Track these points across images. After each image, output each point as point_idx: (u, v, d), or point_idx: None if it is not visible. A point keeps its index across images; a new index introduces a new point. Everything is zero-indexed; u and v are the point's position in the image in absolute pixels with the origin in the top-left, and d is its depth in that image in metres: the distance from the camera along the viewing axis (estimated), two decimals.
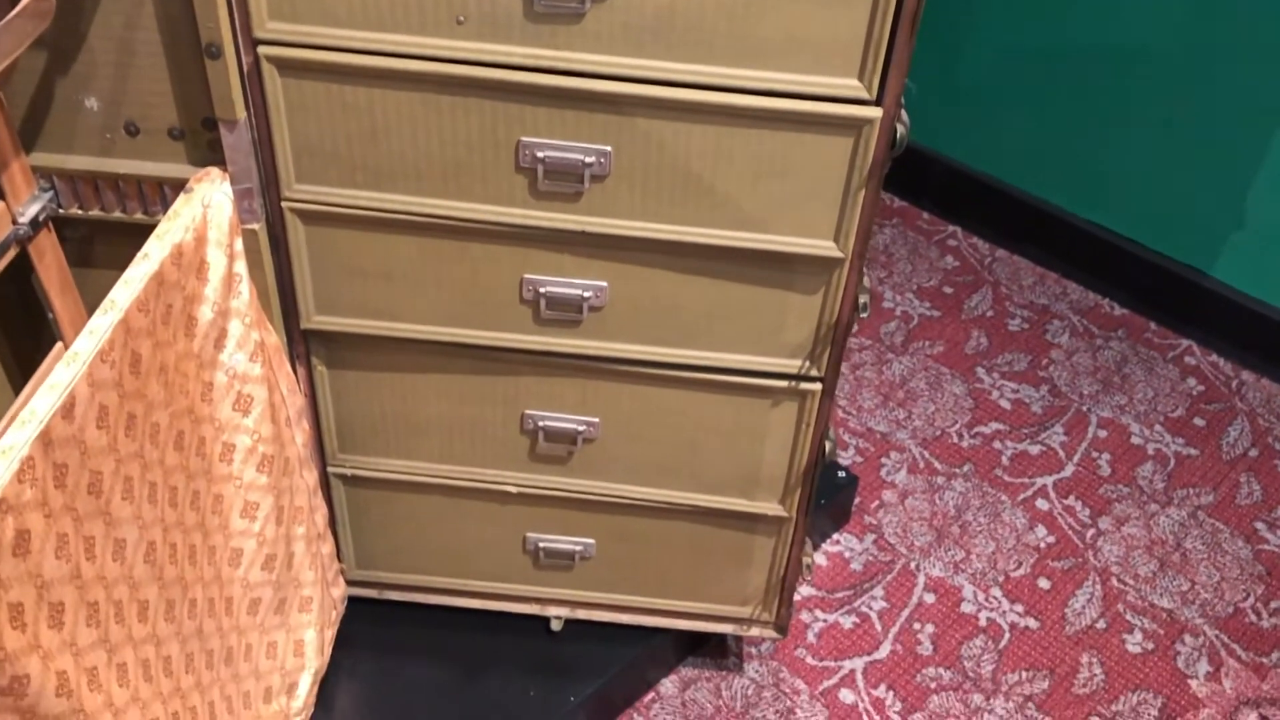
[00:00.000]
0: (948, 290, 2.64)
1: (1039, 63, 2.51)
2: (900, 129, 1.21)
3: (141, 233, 1.19)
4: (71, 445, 1.00)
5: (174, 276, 1.18)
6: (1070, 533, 2.10)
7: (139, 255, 1.14)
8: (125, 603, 1.12)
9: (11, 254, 1.26)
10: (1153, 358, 2.48)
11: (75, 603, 1.02)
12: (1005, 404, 2.36)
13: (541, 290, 1.37)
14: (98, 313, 1.07)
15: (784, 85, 1.19)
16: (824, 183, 1.26)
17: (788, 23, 1.16)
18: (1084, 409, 2.35)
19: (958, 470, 2.21)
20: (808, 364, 1.42)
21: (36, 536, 0.95)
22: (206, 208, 1.23)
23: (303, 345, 1.47)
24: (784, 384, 1.44)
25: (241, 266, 1.28)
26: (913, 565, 2.04)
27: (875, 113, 1.20)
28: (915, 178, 2.83)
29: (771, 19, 1.15)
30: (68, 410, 0.99)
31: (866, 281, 1.36)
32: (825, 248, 1.31)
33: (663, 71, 1.20)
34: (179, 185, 1.27)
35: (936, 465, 2.22)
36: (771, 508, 1.57)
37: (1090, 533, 2.11)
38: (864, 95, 1.19)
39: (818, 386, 1.44)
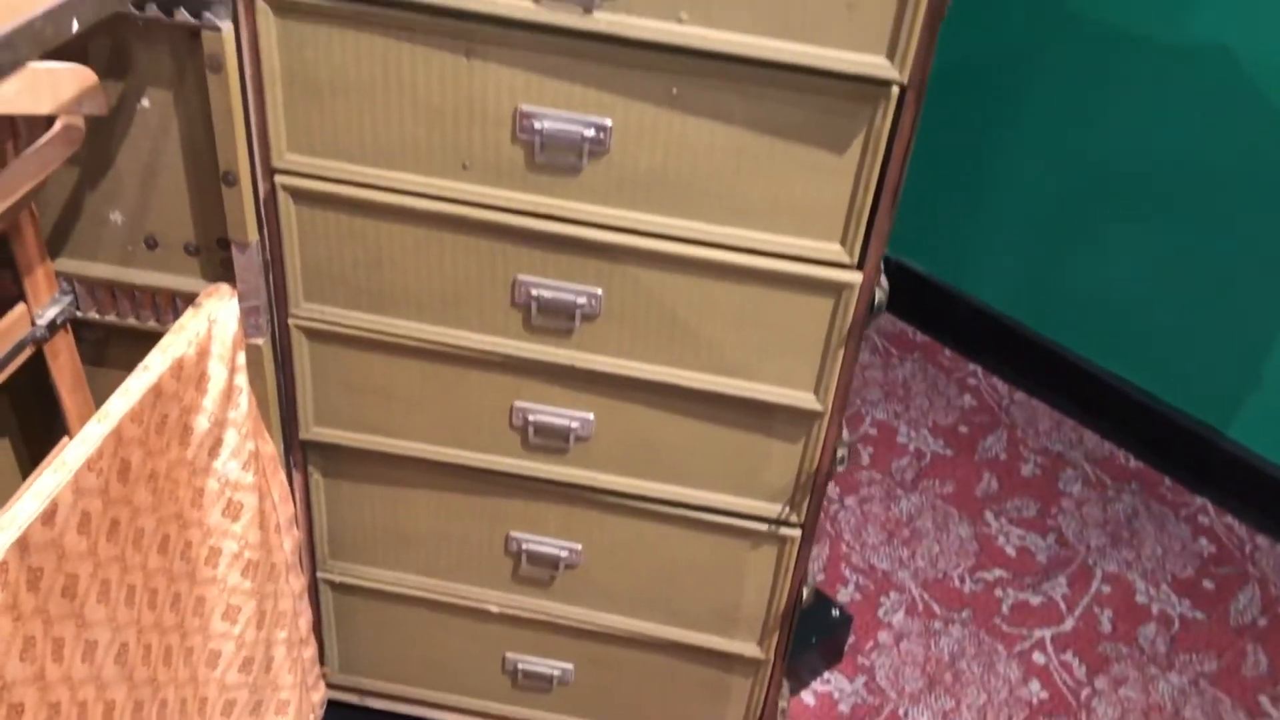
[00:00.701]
0: (963, 429, 2.64)
1: (1064, 206, 2.55)
2: (880, 294, 1.25)
3: (154, 339, 1.25)
4: (49, 550, 1.04)
5: (173, 388, 1.23)
6: (1065, 690, 2.07)
7: (140, 366, 1.20)
8: (90, 703, 1.15)
9: (28, 353, 1.33)
10: (1165, 514, 2.45)
11: (36, 704, 1.05)
12: (1010, 550, 2.34)
13: (531, 418, 1.41)
14: (92, 420, 1.12)
15: (768, 245, 1.24)
16: (805, 339, 1.29)
17: (774, 187, 1.20)
18: (1090, 562, 2.32)
19: (956, 615, 2.19)
20: (787, 510, 1.44)
21: (2, 639, 0.98)
22: (212, 323, 1.29)
23: (300, 454, 1.51)
24: (763, 527, 1.46)
25: (242, 379, 1.34)
26: (901, 711, 2.01)
27: (856, 277, 1.24)
28: (939, 313, 2.85)
29: (759, 183, 1.20)
30: (49, 517, 1.04)
31: (846, 434, 1.38)
32: (805, 400, 1.34)
33: (653, 225, 1.25)
34: (191, 298, 1.33)
35: (935, 609, 2.20)
36: (749, 649, 1.57)
37: (1085, 692, 2.07)
38: (845, 260, 1.23)
39: (797, 533, 1.46)
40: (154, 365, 1.21)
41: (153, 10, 1.14)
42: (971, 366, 2.83)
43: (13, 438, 1.50)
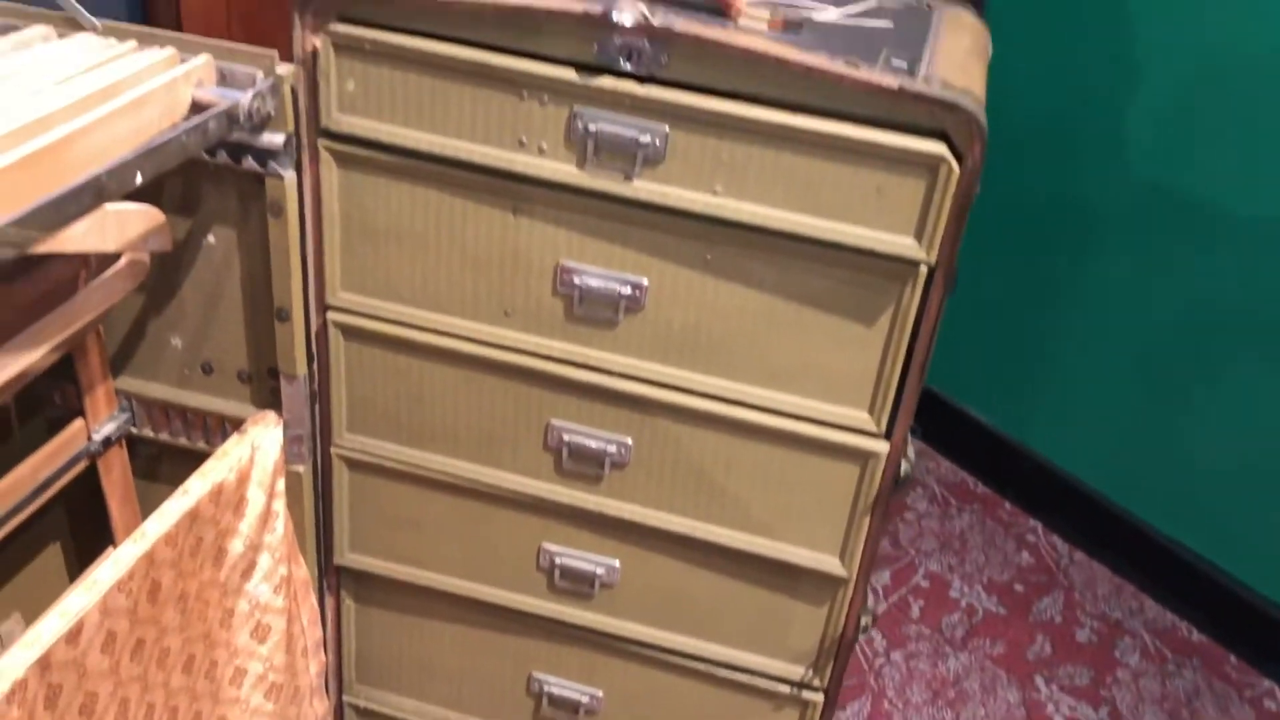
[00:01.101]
0: (1019, 588, 2.58)
1: (1142, 364, 2.51)
2: (905, 465, 1.24)
3: (203, 459, 1.29)
4: (70, 668, 1.08)
5: (210, 512, 1.27)
6: None
7: (179, 490, 1.25)
8: None
9: (82, 466, 1.38)
10: (1228, 695, 2.34)
11: None
12: None
13: (558, 560, 1.42)
14: (127, 541, 1.16)
15: (796, 409, 1.25)
16: (831, 503, 1.29)
17: (804, 352, 1.22)
18: None
19: None
20: (810, 673, 1.41)
21: None
22: (255, 449, 1.33)
23: (334, 579, 1.54)
24: (786, 689, 1.43)
25: (280, 505, 1.38)
26: None
27: (882, 446, 1.24)
28: (1000, 467, 2.81)
29: (789, 347, 1.22)
30: (73, 636, 1.07)
31: (870, 601, 1.37)
32: (830, 564, 1.33)
33: (684, 381, 1.27)
34: (240, 423, 1.38)
35: None
36: None
37: None
38: (872, 428, 1.23)
39: (819, 697, 1.43)
40: (193, 490, 1.26)
41: (223, 157, 1.22)
42: (1032, 522, 2.77)
43: (64, 543, 1.56)
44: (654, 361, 1.27)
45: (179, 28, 1.72)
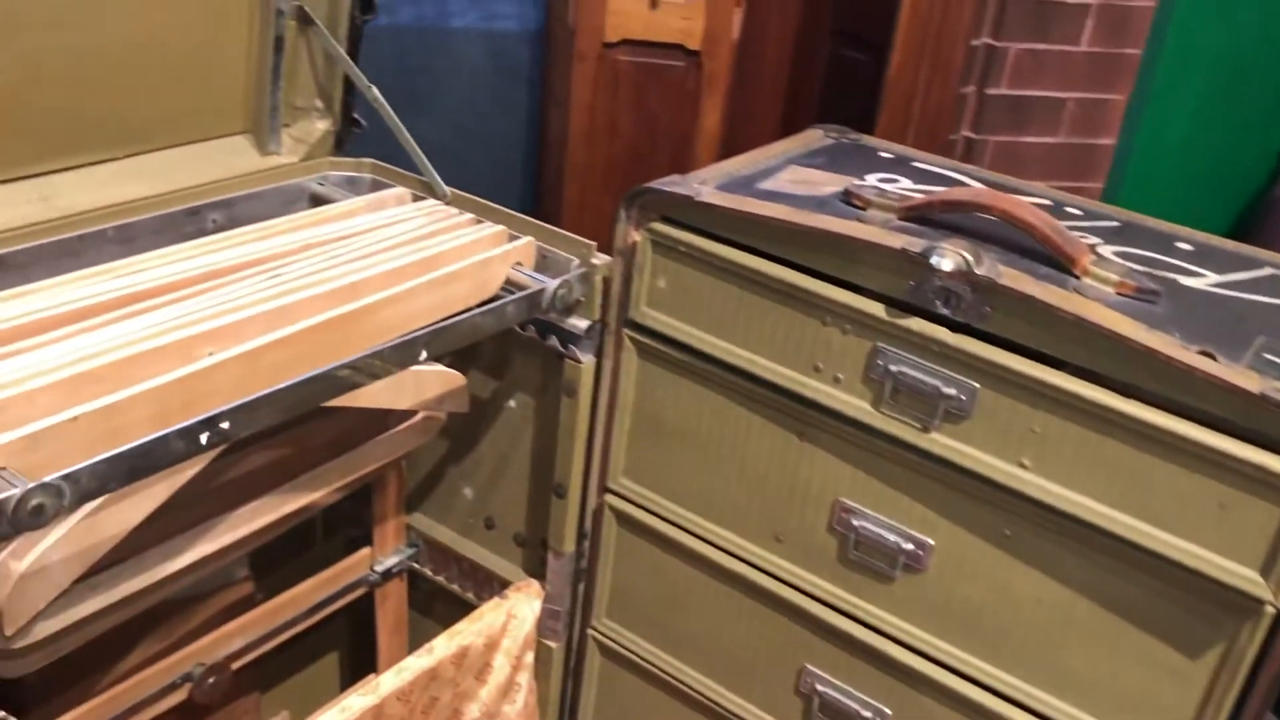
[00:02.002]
0: None
1: None
2: None
3: (470, 610, 1.30)
4: None
5: (450, 674, 1.27)
6: None
7: (423, 648, 1.25)
8: None
9: (359, 593, 1.44)
10: None
11: None
12: None
13: None
14: (354, 691, 1.18)
15: None
16: None
17: (1103, 665, 1.03)
18: None
19: None
20: None
21: None
22: (510, 617, 1.32)
23: None
24: None
25: (525, 677, 1.35)
26: None
27: None
28: None
29: (1085, 654, 1.03)
30: None
31: None
32: None
33: (959, 661, 1.11)
34: (507, 583, 1.39)
35: None
36: None
37: None
38: None
39: None
40: (438, 649, 1.26)
41: (531, 331, 1.23)
42: None
43: (342, 654, 1.63)
44: (929, 631, 1.13)
45: (558, 204, 1.81)
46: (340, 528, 1.55)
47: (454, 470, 1.43)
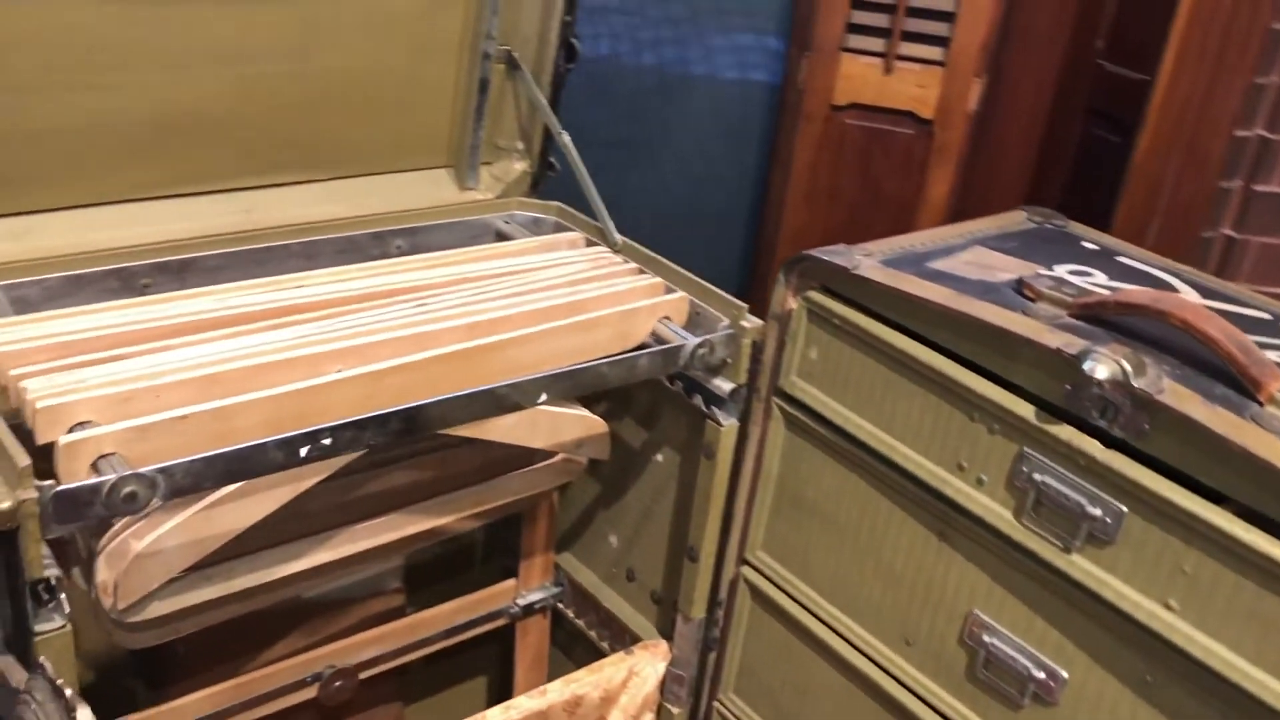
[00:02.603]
0: None
1: None
2: None
3: (600, 655, 1.30)
4: None
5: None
6: None
7: (537, 689, 1.25)
8: None
9: (500, 622, 1.46)
10: None
11: None
12: None
13: None
14: None
15: None
16: None
17: None
18: None
19: None
20: None
21: None
22: (632, 674, 1.30)
23: None
24: None
25: None
26: None
27: None
28: None
29: None
30: None
31: None
32: None
33: None
34: (638, 639, 1.36)
35: None
36: None
37: None
38: None
39: None
40: (551, 693, 1.25)
41: (678, 386, 1.21)
42: None
43: (490, 678, 1.65)
44: None
45: (772, 264, 1.77)
46: (497, 556, 1.58)
47: (602, 516, 1.43)
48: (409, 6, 1.24)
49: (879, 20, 1.67)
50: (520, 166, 1.40)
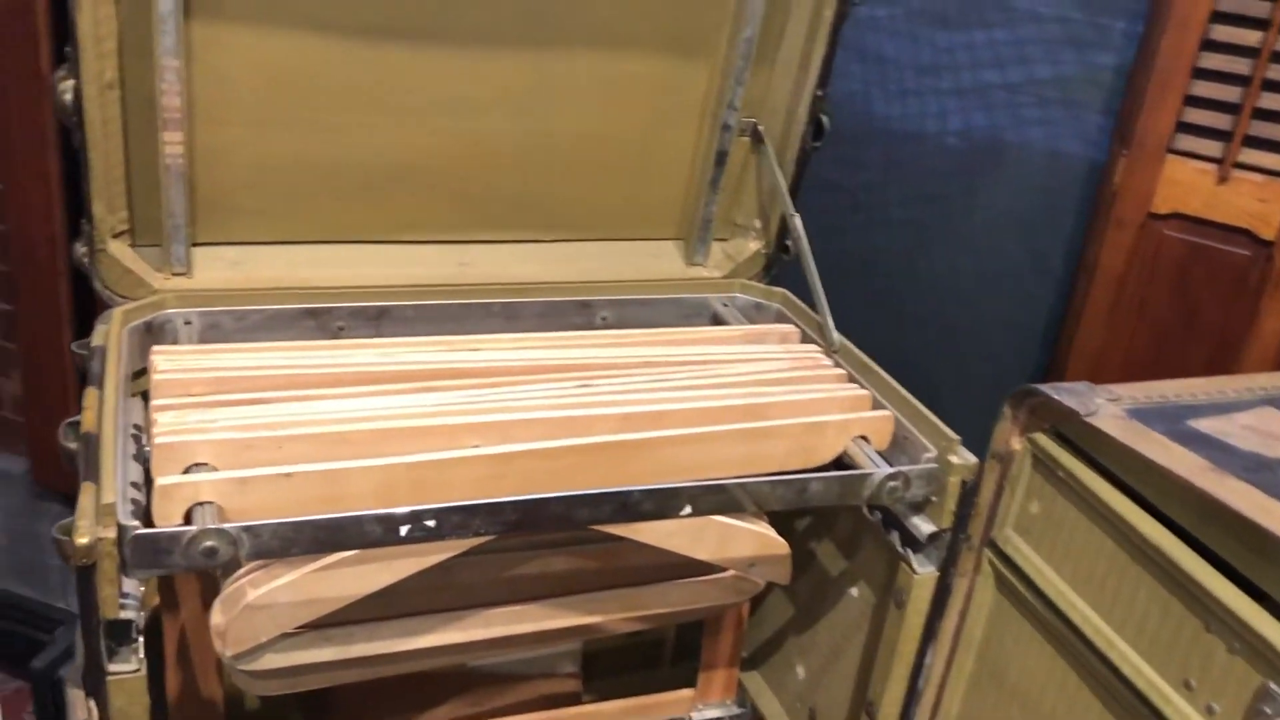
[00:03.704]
0: None
1: None
2: None
3: None
4: None
5: None
6: None
7: None
8: None
9: None
10: None
11: None
12: None
13: None
14: None
15: None
16: None
17: None
18: None
19: None
20: None
21: None
22: None
23: None
24: None
25: None
26: None
27: None
28: None
29: None
30: None
31: None
32: None
33: None
34: None
35: None
36: None
37: None
38: None
39: None
40: None
41: (876, 517, 1.06)
42: None
43: None
44: None
45: (1061, 379, 1.54)
46: (689, 658, 1.46)
47: (793, 642, 1.28)
48: (650, 69, 1.18)
49: (1218, 121, 1.42)
50: (755, 246, 1.29)
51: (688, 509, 0.90)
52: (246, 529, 0.77)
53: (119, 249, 1.06)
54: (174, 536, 0.76)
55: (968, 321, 1.83)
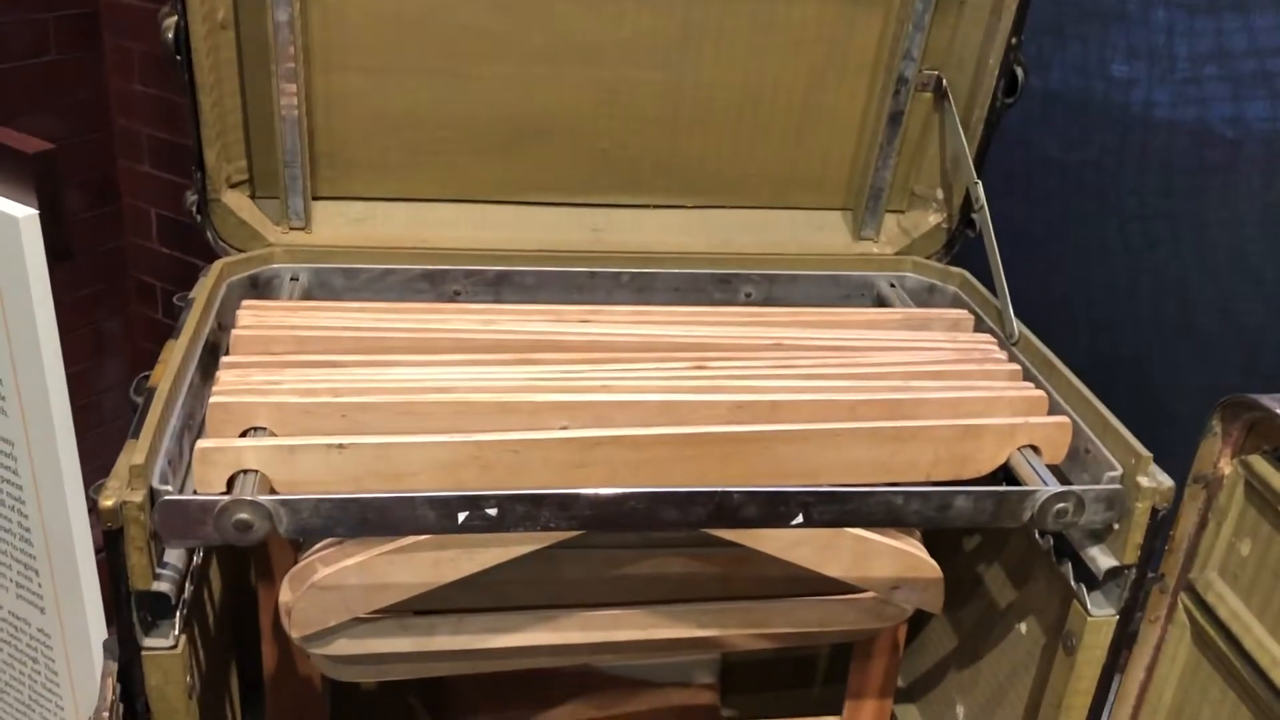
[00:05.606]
0: None
1: None
2: None
3: None
4: None
5: None
6: None
7: None
8: None
9: None
10: None
11: None
12: None
13: None
14: None
15: None
16: None
17: None
18: None
19: None
20: None
21: None
22: None
23: None
24: None
25: None
26: None
27: None
28: None
29: None
30: None
31: None
32: None
33: None
34: None
35: None
36: None
37: None
38: None
39: None
40: None
41: (1048, 544, 0.88)
42: None
43: None
44: None
45: None
46: (843, 681, 1.31)
47: (954, 677, 1.11)
48: (815, 13, 1.03)
49: None
50: (935, 219, 1.12)
51: (799, 518, 0.76)
52: (284, 503, 0.70)
53: (236, 199, 1.01)
54: (205, 506, 0.69)
55: (1198, 323, 1.57)
